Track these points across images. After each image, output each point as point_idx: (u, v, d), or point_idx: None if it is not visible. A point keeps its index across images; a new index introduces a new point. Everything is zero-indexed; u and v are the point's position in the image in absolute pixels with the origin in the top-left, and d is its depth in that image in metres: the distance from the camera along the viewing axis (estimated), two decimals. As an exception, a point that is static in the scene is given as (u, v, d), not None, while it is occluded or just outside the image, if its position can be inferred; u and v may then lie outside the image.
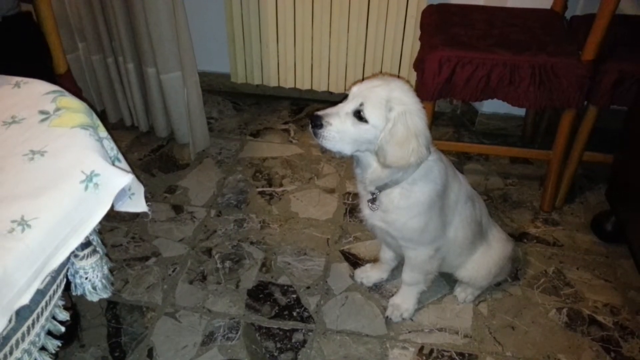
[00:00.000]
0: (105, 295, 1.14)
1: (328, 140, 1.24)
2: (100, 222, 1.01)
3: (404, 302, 1.59)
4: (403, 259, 1.55)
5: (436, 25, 1.79)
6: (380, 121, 1.21)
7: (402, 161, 1.22)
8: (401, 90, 1.24)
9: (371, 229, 1.51)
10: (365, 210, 1.44)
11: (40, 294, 0.96)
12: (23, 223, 0.89)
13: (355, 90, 1.25)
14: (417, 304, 1.61)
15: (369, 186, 1.36)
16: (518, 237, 1.86)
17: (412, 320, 1.59)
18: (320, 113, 1.24)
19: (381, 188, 1.35)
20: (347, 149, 1.26)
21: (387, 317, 1.59)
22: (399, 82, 1.26)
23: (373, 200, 1.38)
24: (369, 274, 1.69)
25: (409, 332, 1.57)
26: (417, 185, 1.32)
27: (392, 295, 1.65)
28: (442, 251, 1.48)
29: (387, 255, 1.66)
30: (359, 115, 1.22)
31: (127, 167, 1.16)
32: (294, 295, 1.66)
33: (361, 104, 1.22)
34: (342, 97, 1.29)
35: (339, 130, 1.23)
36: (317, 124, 1.23)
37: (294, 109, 2.47)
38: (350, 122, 1.23)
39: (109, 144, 1.16)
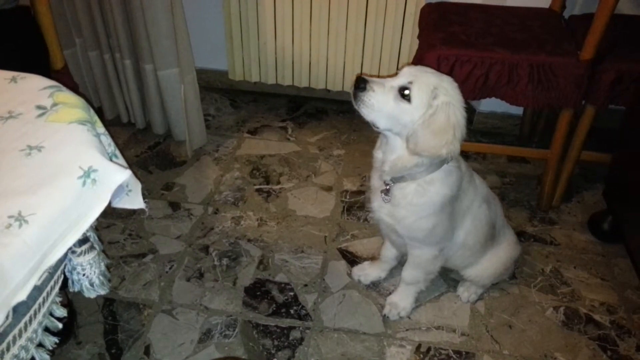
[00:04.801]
0: (102, 292, 1.14)
1: (366, 106, 1.22)
2: (97, 219, 1.01)
3: (401, 300, 1.59)
4: (403, 259, 1.55)
5: (434, 24, 1.79)
6: (422, 105, 1.20)
7: (434, 150, 1.21)
8: (450, 83, 1.24)
9: (377, 223, 1.51)
10: (376, 202, 1.42)
11: (37, 290, 0.96)
12: (20, 219, 0.88)
13: (406, 69, 1.25)
14: (415, 302, 1.61)
15: (385, 175, 1.34)
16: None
17: (409, 318, 1.60)
18: (367, 77, 1.23)
19: (397, 180, 1.33)
20: (381, 123, 1.24)
21: (385, 315, 1.59)
22: (448, 76, 1.26)
23: (387, 192, 1.37)
24: (367, 272, 1.69)
25: (407, 330, 1.57)
26: (434, 185, 1.31)
27: (390, 293, 1.64)
28: (446, 252, 1.48)
29: (388, 253, 1.65)
30: (402, 93, 1.21)
31: (125, 164, 1.16)
32: (292, 293, 1.65)
33: (410, 82, 1.21)
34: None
35: (379, 100, 1.22)
36: (361, 86, 1.22)
37: (291, 107, 2.46)
38: (393, 96, 1.22)
39: (107, 139, 1.16)
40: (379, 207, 1.41)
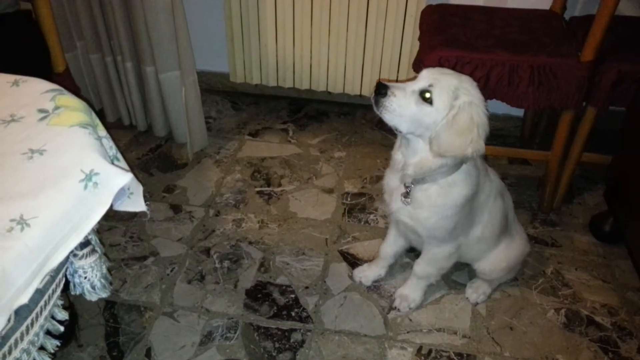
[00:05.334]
0: (104, 295, 1.14)
1: (388, 111, 1.23)
2: (99, 222, 1.01)
3: (411, 293, 1.60)
4: (402, 259, 1.55)
5: (435, 26, 1.79)
6: (444, 106, 1.21)
7: (458, 150, 1.22)
8: (470, 83, 1.24)
9: (395, 224, 1.52)
10: (394, 204, 1.42)
11: (39, 293, 0.96)
12: (22, 222, 0.88)
13: (425, 72, 1.25)
14: (424, 295, 1.62)
15: (406, 178, 1.34)
16: (516, 237, 1.86)
17: (410, 320, 1.60)
18: (387, 83, 1.23)
19: (417, 182, 1.33)
20: (403, 127, 1.24)
21: (395, 307, 1.60)
22: (467, 76, 1.27)
23: (407, 194, 1.37)
24: (366, 273, 1.69)
25: (408, 332, 1.57)
26: (456, 187, 1.32)
27: (391, 295, 1.65)
28: (462, 248, 1.49)
29: (388, 250, 1.65)
30: (423, 96, 1.22)
31: (126, 166, 1.16)
32: (293, 295, 1.65)
33: (430, 85, 1.21)
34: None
35: (400, 105, 1.22)
36: (382, 92, 1.22)
37: (292, 109, 2.47)
38: (414, 100, 1.22)
39: (108, 142, 1.16)
40: (398, 210, 1.42)
